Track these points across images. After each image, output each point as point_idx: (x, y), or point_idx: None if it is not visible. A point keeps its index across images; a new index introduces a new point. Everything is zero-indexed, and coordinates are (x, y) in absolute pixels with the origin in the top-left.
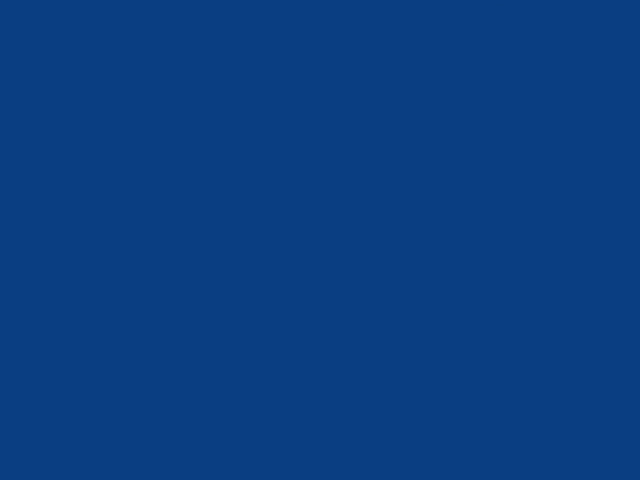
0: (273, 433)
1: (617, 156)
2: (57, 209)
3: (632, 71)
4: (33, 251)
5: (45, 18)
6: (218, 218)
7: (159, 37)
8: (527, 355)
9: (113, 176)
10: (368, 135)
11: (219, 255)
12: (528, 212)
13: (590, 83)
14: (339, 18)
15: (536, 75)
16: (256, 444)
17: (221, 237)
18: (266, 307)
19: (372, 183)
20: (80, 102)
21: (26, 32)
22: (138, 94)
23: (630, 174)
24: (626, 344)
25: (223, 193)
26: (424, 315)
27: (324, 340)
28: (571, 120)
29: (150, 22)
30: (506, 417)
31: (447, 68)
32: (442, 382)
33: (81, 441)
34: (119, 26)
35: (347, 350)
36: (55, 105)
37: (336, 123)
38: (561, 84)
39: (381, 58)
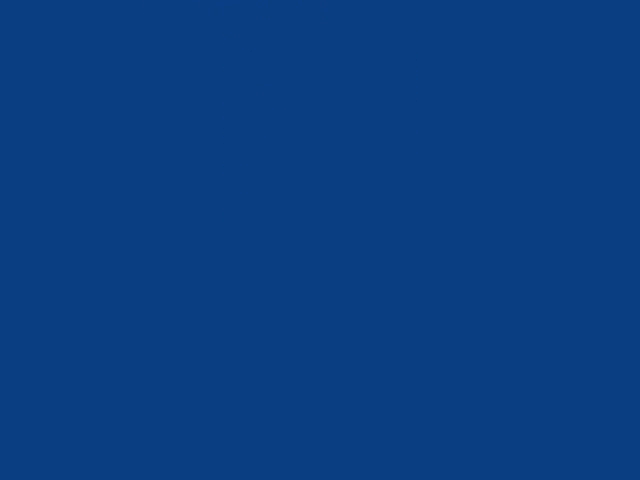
0: (273, 433)
1: (617, 156)
2: (57, 209)
3: (632, 71)
4: (33, 251)
5: (45, 18)
6: (218, 218)
7: (159, 37)
8: (527, 355)
9: (113, 176)
10: (368, 135)
11: (219, 255)
12: (528, 212)
13: (590, 83)
14: (339, 19)
15: (536, 75)
16: (256, 444)
17: (221, 237)
18: (266, 307)
19: (372, 184)
20: (80, 102)
21: (26, 32)
22: (138, 94)
23: (630, 174)
24: (626, 344)
25: (223, 193)
26: (424, 315)
27: (324, 340)
28: (571, 120)
29: (150, 22)
30: (506, 417)
31: (447, 68)
32: (442, 382)
33: (81, 441)
34: (119, 26)
35: (347, 350)
36: (55, 105)
37: (336, 123)
38: (561, 84)
39: (381, 58)
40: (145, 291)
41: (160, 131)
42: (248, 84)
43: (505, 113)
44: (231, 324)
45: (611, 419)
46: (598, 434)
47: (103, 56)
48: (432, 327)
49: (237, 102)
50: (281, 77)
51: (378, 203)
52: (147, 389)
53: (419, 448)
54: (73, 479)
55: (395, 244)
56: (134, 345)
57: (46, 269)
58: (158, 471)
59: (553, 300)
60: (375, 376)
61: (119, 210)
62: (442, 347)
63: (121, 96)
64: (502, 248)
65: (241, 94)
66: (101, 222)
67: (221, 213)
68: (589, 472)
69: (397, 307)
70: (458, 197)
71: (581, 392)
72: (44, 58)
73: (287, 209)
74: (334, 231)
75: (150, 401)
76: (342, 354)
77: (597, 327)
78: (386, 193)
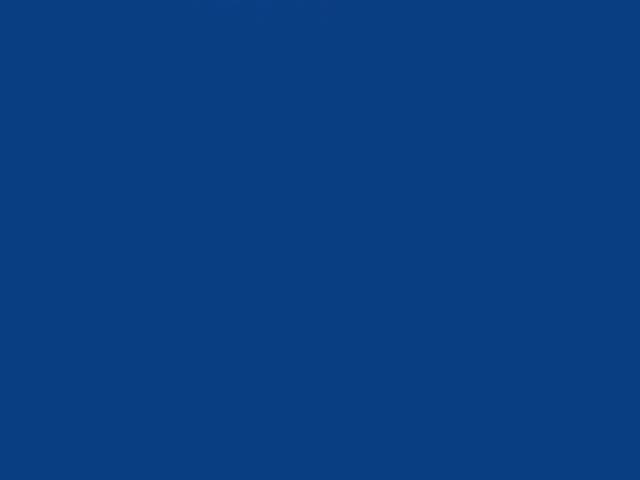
0: (273, 433)
1: (617, 156)
2: (57, 209)
3: (632, 71)
4: (33, 251)
5: (45, 18)
6: (218, 218)
7: (159, 37)
8: (527, 355)
9: (114, 177)
10: (368, 136)
11: (219, 255)
12: (528, 212)
13: (590, 83)
14: (339, 19)
15: (536, 75)
16: (256, 444)
17: (221, 237)
18: (266, 307)
19: (372, 184)
20: (80, 102)
21: (26, 32)
22: (138, 94)
23: (630, 174)
24: (626, 344)
25: (223, 194)
26: (424, 315)
27: (324, 340)
28: (571, 120)
29: (150, 22)
30: (506, 417)
31: (448, 69)
32: (442, 382)
33: (81, 441)
34: (119, 26)
35: (347, 350)
36: (55, 105)
37: (336, 124)
38: (561, 84)
39: (382, 59)
40: (145, 290)
41: (160, 131)
42: (248, 84)
43: (505, 113)
44: (231, 323)
45: (611, 419)
46: (598, 434)
47: (103, 56)
48: (432, 327)
49: (237, 102)
50: (281, 77)
51: (378, 203)
52: (147, 388)
53: (419, 448)
54: (73, 479)
55: (395, 244)
56: (134, 344)
57: (46, 269)
58: (158, 471)
59: (553, 300)
60: (375, 376)
61: (119, 210)
62: (442, 347)
63: (121, 96)
64: (502, 248)
65: (241, 94)
66: (101, 222)
67: (221, 212)
68: (589, 472)
69: (397, 307)
70: (458, 197)
71: (581, 392)
72: (44, 58)
73: (287, 209)
74: (334, 231)
75: (150, 401)
76: (342, 354)
77: (597, 327)
78: (386, 193)
